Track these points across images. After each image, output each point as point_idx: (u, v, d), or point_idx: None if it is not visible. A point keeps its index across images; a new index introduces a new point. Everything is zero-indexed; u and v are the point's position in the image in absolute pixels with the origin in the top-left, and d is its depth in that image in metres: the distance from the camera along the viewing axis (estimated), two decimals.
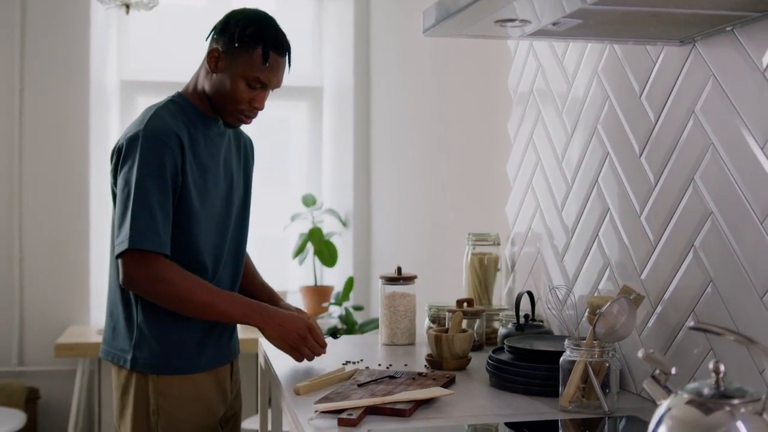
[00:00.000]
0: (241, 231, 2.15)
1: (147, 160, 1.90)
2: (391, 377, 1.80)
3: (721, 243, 1.50)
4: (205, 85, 2.02)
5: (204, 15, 4.16)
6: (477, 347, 2.14)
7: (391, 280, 2.31)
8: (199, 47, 2.06)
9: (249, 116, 2.04)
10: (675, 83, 1.64)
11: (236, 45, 1.96)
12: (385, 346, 2.28)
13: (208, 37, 2.04)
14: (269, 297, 2.22)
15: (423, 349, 2.18)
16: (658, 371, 1.14)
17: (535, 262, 2.21)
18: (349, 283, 4.09)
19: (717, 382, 1.02)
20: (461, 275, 2.40)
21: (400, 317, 2.28)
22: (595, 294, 1.91)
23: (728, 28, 1.48)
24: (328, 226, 4.35)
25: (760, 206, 1.41)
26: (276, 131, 4.58)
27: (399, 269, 2.31)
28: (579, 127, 2.00)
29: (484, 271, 2.34)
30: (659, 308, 1.68)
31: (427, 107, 3.30)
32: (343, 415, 1.48)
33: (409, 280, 2.31)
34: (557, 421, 1.54)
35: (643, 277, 1.74)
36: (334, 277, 4.38)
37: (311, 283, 4.31)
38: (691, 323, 1.39)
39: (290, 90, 4.01)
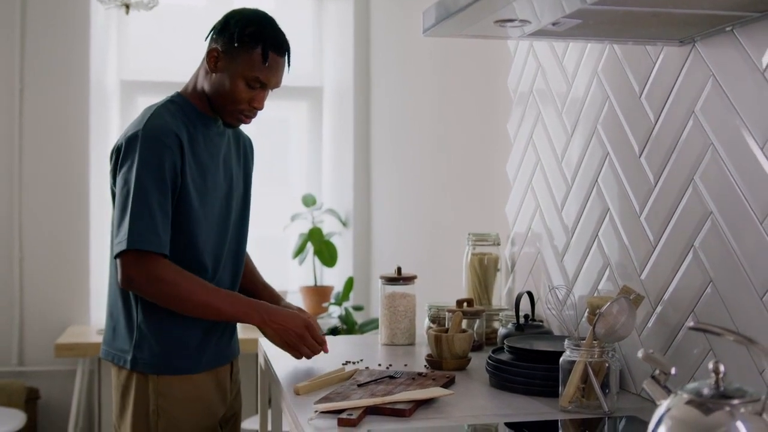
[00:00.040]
0: (241, 231, 2.15)
1: (146, 160, 1.90)
2: (391, 377, 1.80)
3: (720, 243, 1.50)
4: (204, 84, 2.02)
5: (204, 15, 4.16)
6: (477, 347, 2.14)
7: (391, 280, 2.30)
8: (199, 47, 2.06)
9: (248, 116, 2.04)
10: (675, 83, 1.64)
11: (236, 45, 1.96)
12: (385, 347, 2.28)
13: (207, 37, 2.04)
14: (270, 297, 2.22)
15: (423, 350, 2.18)
16: (657, 371, 1.14)
17: (535, 262, 2.21)
18: (349, 283, 4.09)
19: (717, 382, 1.02)
20: (461, 275, 2.40)
21: (400, 317, 2.28)
22: (595, 294, 1.91)
23: (728, 28, 1.48)
24: (328, 226, 4.35)
25: (759, 206, 1.41)
26: (276, 131, 4.58)
27: (399, 269, 2.31)
28: (579, 127, 2.00)
29: (484, 271, 2.34)
30: (659, 308, 1.68)
31: (427, 107, 3.30)
32: (343, 415, 1.48)
33: (409, 280, 2.31)
34: (557, 421, 1.54)
35: (642, 277, 1.74)
36: (334, 277, 4.38)
37: (311, 283, 4.32)
38: (690, 323, 1.39)
39: (290, 90, 4.01)
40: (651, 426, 1.05)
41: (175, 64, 3.82)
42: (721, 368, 1.03)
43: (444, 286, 2.79)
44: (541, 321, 2.12)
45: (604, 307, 1.57)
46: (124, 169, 1.93)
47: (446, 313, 2.12)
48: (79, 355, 3.79)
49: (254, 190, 2.22)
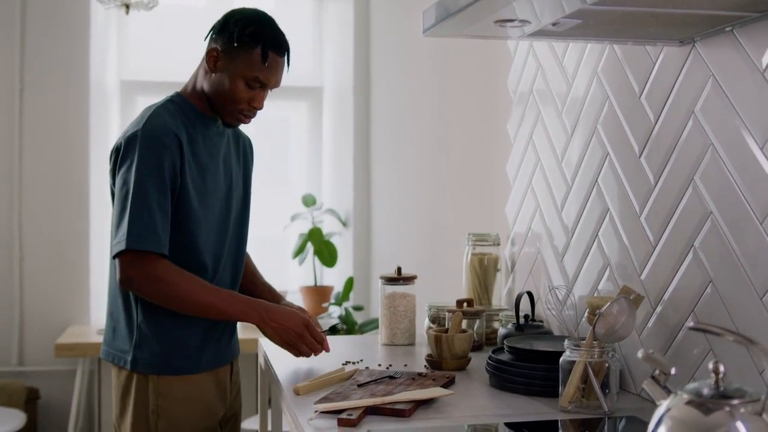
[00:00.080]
0: (241, 231, 2.15)
1: (145, 160, 1.90)
2: (391, 377, 1.80)
3: (720, 243, 1.50)
4: (203, 84, 2.02)
5: (204, 15, 4.15)
6: (477, 347, 2.14)
7: (391, 281, 2.30)
8: (199, 47, 2.06)
9: (248, 116, 2.04)
10: (675, 83, 1.64)
11: (235, 45, 1.96)
12: (385, 347, 2.28)
13: (207, 37, 2.04)
14: (271, 296, 2.22)
15: (423, 350, 2.18)
16: (657, 371, 1.14)
17: (535, 263, 2.21)
18: (349, 284, 4.09)
19: (716, 382, 1.02)
20: (461, 275, 2.40)
21: (400, 317, 2.28)
22: (595, 294, 1.91)
23: (728, 29, 1.48)
24: (328, 226, 4.35)
25: (759, 206, 1.41)
26: (276, 131, 4.58)
27: (399, 269, 2.31)
28: (579, 128, 2.00)
29: (484, 272, 2.34)
30: (659, 308, 1.68)
31: (427, 107, 3.30)
32: (343, 416, 1.48)
33: (409, 280, 2.31)
34: (557, 421, 1.54)
35: (642, 277, 1.74)
36: (334, 278, 4.38)
37: (311, 283, 4.31)
38: (690, 323, 1.39)
39: (290, 90, 4.02)
40: (651, 426, 1.05)
41: (175, 64, 3.81)
42: (721, 368, 1.03)
43: (444, 286, 2.79)
44: (541, 321, 2.12)
45: (604, 307, 1.57)
46: (123, 169, 1.93)
47: (446, 313, 2.12)
48: (79, 355, 3.79)
49: (254, 190, 2.22)
